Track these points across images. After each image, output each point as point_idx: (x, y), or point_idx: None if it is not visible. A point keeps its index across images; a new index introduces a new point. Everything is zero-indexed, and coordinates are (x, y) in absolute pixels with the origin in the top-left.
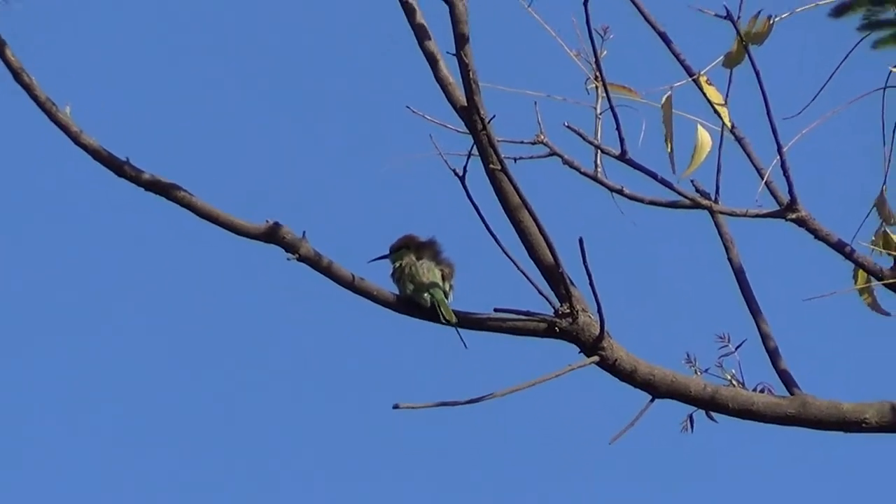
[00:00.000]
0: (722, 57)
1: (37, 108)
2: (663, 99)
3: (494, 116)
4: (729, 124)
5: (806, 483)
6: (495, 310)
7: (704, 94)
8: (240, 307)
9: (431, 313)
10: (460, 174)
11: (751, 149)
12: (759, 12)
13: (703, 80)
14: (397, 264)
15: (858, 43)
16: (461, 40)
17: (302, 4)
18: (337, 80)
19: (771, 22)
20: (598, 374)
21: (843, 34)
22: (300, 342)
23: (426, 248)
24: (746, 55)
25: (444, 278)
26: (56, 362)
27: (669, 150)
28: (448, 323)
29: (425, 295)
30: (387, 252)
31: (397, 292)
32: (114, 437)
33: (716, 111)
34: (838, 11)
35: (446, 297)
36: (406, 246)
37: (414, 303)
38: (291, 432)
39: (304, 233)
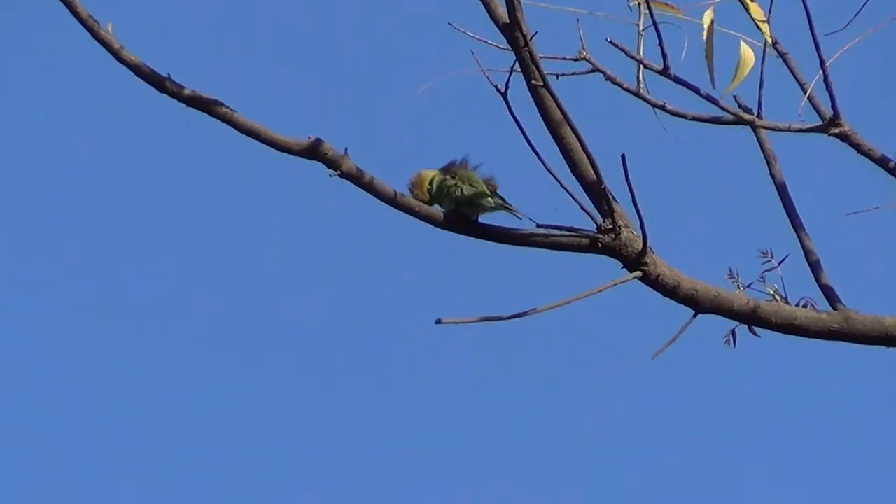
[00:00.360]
0: None
1: (79, 26)
2: (705, 14)
3: (536, 33)
4: (771, 40)
5: (850, 397)
6: (538, 225)
7: (747, 10)
8: (283, 224)
9: (476, 227)
10: (503, 90)
11: (794, 64)
12: None
13: None
14: (439, 179)
15: None
16: None
17: None
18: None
19: None
20: (641, 290)
21: None
22: (343, 259)
23: (462, 167)
24: None
25: (492, 189)
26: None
27: (710, 65)
28: (520, 217)
29: (486, 199)
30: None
31: (445, 208)
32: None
33: (758, 27)
34: None
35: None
36: (451, 171)
37: (460, 215)
38: (339, 348)
39: (346, 149)
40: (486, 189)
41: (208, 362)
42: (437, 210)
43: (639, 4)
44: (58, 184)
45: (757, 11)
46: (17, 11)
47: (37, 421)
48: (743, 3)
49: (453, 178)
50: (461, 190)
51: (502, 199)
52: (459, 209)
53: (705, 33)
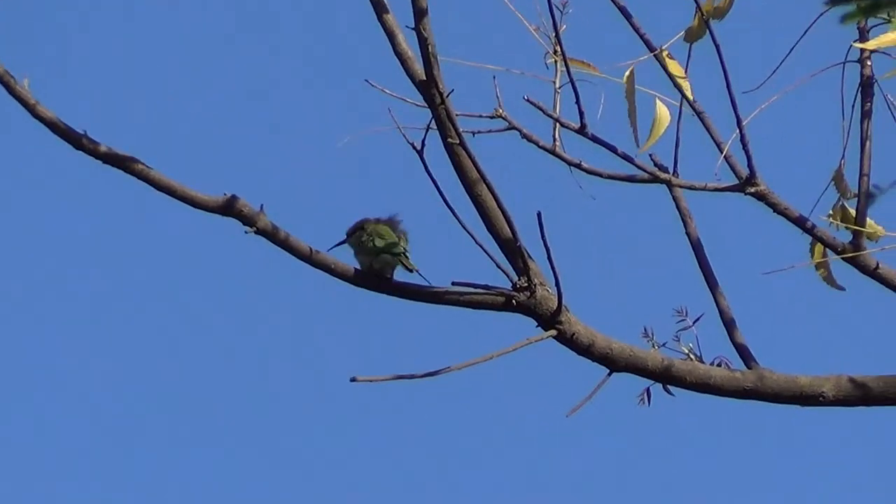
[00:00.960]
0: (683, 32)
1: None
2: (626, 73)
3: (453, 90)
4: (690, 97)
5: (763, 456)
6: (453, 283)
7: (665, 68)
8: (197, 280)
9: (390, 284)
10: (419, 148)
11: (710, 123)
12: None
13: (664, 54)
14: (356, 236)
15: (820, 16)
16: (420, 14)
17: None
18: (294, 54)
19: None
20: (556, 348)
21: (803, 8)
22: (258, 316)
23: (383, 224)
24: (707, 30)
25: (401, 241)
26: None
27: (633, 124)
28: (410, 271)
29: (395, 248)
30: (344, 237)
31: (356, 266)
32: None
33: (676, 85)
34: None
35: (406, 255)
36: (362, 227)
37: (374, 272)
38: (249, 405)
39: (261, 206)
40: (396, 240)
41: (106, 427)
42: (351, 267)
43: (556, 62)
44: None
45: (676, 68)
46: None
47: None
48: (660, 61)
49: (366, 232)
50: (373, 242)
51: (405, 253)
52: (372, 265)
53: (626, 92)
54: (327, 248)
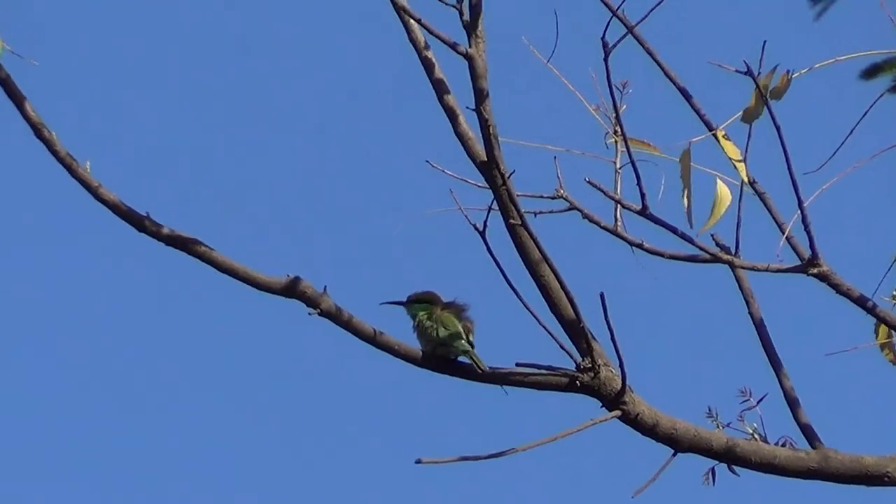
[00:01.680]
0: (741, 112)
1: (57, 164)
2: (681, 153)
3: (514, 171)
4: (746, 179)
5: None
6: (517, 364)
7: (723, 149)
8: (261, 362)
9: (454, 366)
10: (481, 229)
11: (771, 203)
12: (777, 67)
13: (720, 135)
14: (420, 317)
15: (879, 98)
16: (481, 95)
17: (323, 60)
18: (357, 135)
19: (789, 77)
20: (620, 428)
21: (864, 90)
22: (322, 398)
23: (450, 307)
24: (766, 110)
25: (467, 331)
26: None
27: (687, 204)
28: (482, 372)
29: (459, 342)
30: (403, 300)
31: (419, 347)
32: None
33: (734, 166)
34: (869, 73)
35: (472, 348)
36: (428, 301)
37: (438, 356)
38: (317, 489)
39: (325, 287)
40: (460, 331)
41: None
42: (416, 349)
43: (616, 142)
44: (37, 324)
45: (733, 151)
46: None
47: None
48: (718, 143)
49: (430, 318)
50: (436, 332)
51: (471, 345)
52: (435, 350)
53: (681, 171)
54: (381, 302)
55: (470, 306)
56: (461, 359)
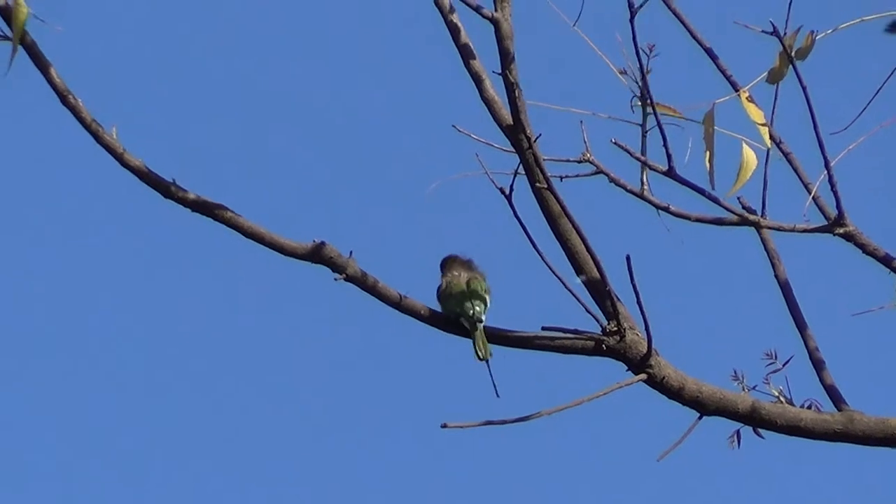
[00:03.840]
0: (766, 73)
1: (83, 130)
2: (704, 115)
3: (540, 135)
4: (768, 143)
5: (854, 500)
6: (543, 328)
7: (747, 113)
8: (286, 327)
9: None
10: (507, 193)
11: (797, 164)
12: (800, 28)
13: (744, 97)
14: (444, 283)
15: None
16: (507, 59)
17: (348, 28)
18: (383, 101)
19: (814, 37)
20: (646, 392)
21: (889, 49)
22: (347, 362)
23: (465, 267)
24: (791, 70)
25: (483, 297)
26: (108, 385)
27: (709, 166)
28: (481, 359)
29: (467, 304)
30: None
31: (441, 311)
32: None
33: (758, 129)
34: (894, 27)
35: (485, 305)
36: (450, 267)
37: (456, 322)
38: (342, 454)
39: (350, 252)
40: (469, 300)
41: (214, 475)
42: (441, 314)
43: (642, 105)
44: (63, 288)
45: (757, 114)
46: (21, 116)
47: None
48: (743, 106)
49: (447, 285)
50: (448, 298)
51: (483, 298)
52: (449, 317)
53: (705, 133)
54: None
55: (480, 266)
56: (486, 322)
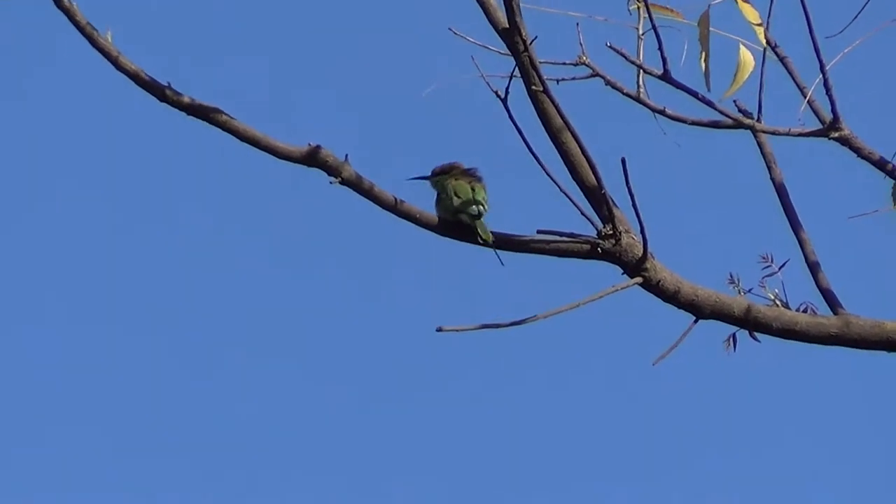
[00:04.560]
0: None
1: (77, 33)
2: (700, 16)
3: (536, 38)
4: (763, 43)
5: (850, 402)
6: (538, 232)
7: (741, 12)
8: (282, 230)
9: (473, 233)
10: (502, 96)
11: (793, 68)
12: None
13: None
14: (437, 187)
15: None
16: None
17: None
18: (377, 2)
19: None
20: (642, 295)
21: None
22: (343, 266)
23: (465, 175)
24: None
25: (474, 191)
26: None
27: (705, 68)
28: (485, 243)
29: (471, 207)
30: (428, 174)
31: (438, 214)
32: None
33: (753, 30)
34: None
35: (483, 209)
36: (449, 172)
37: (455, 223)
38: (335, 355)
39: (346, 156)
40: (471, 198)
41: (206, 366)
42: (436, 216)
43: (638, 8)
44: (57, 192)
45: (752, 14)
46: (13, 18)
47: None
48: (738, 7)
49: (444, 188)
50: (451, 200)
51: (482, 205)
52: (453, 217)
53: (700, 35)
54: (408, 178)
55: (480, 171)
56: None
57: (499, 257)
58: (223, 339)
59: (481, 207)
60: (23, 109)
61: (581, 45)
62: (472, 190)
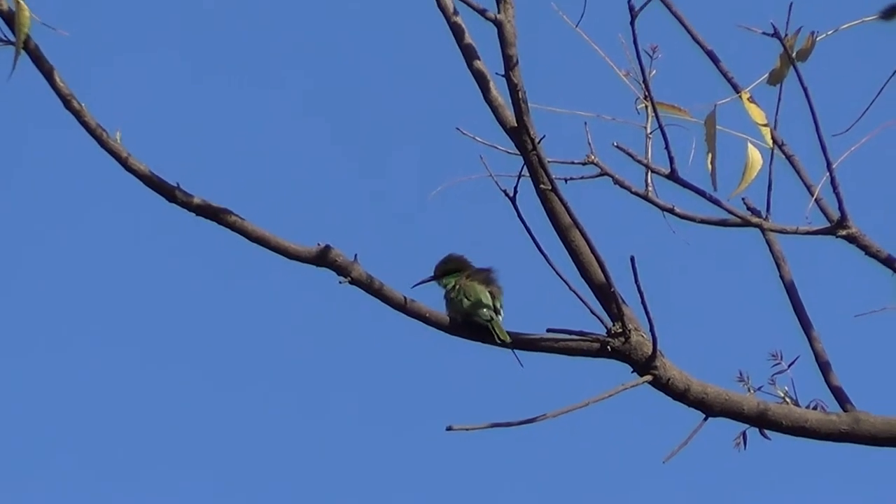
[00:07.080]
0: (767, 74)
1: (87, 135)
2: (706, 116)
3: (545, 137)
4: (770, 143)
5: (861, 500)
6: (548, 330)
7: (749, 114)
8: (292, 331)
9: (485, 333)
10: (511, 195)
11: (800, 166)
12: (801, 29)
13: (746, 98)
14: (449, 286)
15: None
16: (510, 61)
17: (352, 31)
18: (387, 102)
19: (815, 38)
20: (651, 393)
21: (890, 49)
22: (353, 365)
23: (477, 274)
24: (792, 71)
25: (493, 297)
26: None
27: (711, 167)
28: (503, 343)
29: (482, 311)
30: (431, 274)
31: (449, 314)
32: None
33: (759, 130)
34: (888, 14)
35: (497, 315)
36: (456, 269)
37: (467, 324)
38: (347, 455)
39: (355, 256)
40: (478, 302)
41: (216, 484)
42: (445, 316)
43: (645, 107)
44: (67, 292)
45: (758, 114)
46: (24, 121)
47: None
48: (745, 108)
49: (454, 289)
50: (461, 302)
51: (497, 310)
52: (464, 319)
53: (706, 134)
54: (412, 285)
55: (497, 272)
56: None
57: (517, 357)
58: (229, 473)
59: (492, 312)
60: (29, 208)
61: (589, 143)
62: (490, 294)
